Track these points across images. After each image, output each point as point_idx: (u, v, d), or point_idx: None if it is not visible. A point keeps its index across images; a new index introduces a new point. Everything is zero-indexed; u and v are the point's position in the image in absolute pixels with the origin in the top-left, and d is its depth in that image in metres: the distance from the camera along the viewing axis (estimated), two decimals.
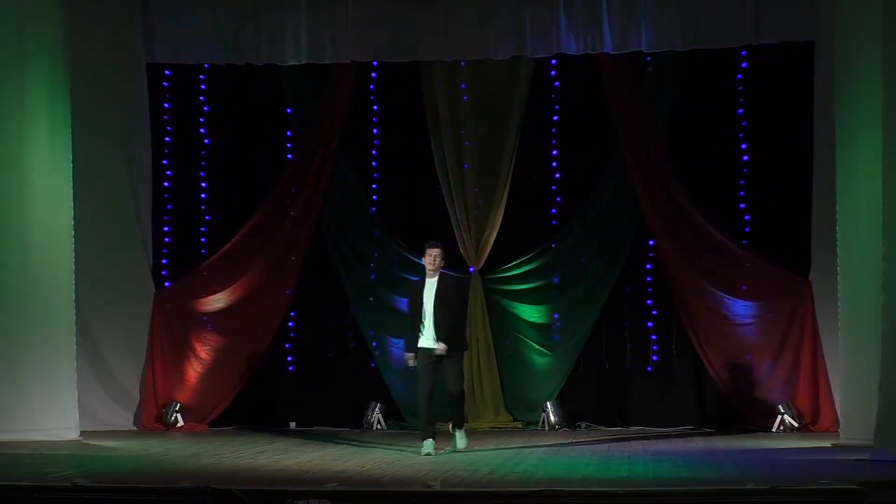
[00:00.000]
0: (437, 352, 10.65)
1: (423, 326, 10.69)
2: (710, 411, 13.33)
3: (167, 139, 14.02)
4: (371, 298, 13.83)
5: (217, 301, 13.81)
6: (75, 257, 12.48)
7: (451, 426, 11.23)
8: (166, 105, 14.00)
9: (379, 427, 13.46)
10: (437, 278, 10.74)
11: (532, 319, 13.65)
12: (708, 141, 13.32)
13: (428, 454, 10.53)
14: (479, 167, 13.66)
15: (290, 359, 13.92)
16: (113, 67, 13.71)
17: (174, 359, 13.76)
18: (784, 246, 13.10)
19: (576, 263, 13.57)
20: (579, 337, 13.51)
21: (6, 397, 11.91)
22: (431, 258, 10.76)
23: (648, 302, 13.49)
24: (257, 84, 13.98)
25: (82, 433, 12.39)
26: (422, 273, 10.92)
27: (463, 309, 11.37)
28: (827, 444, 11.36)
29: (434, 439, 10.70)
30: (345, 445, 11.72)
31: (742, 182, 13.23)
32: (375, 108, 13.94)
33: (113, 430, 13.26)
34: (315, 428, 13.47)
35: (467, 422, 12.19)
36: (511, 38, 13.38)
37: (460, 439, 10.93)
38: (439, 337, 10.64)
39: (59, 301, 12.31)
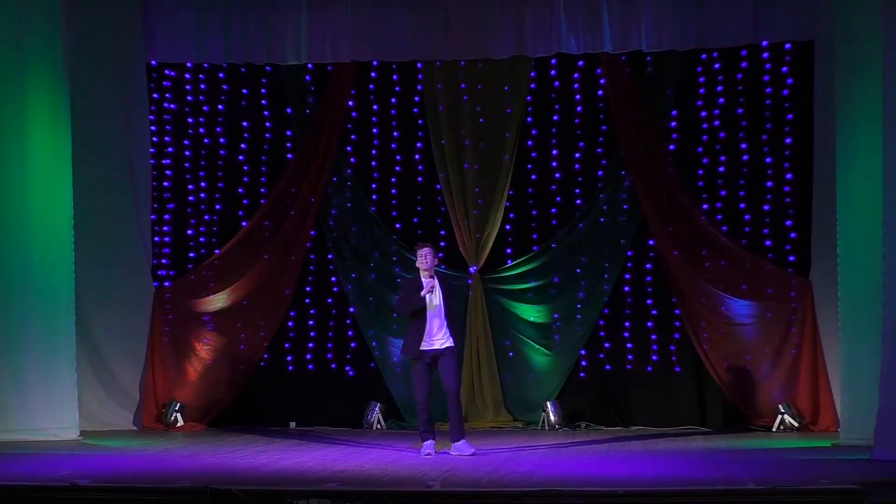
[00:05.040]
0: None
1: (427, 328, 10.56)
2: (710, 411, 13.33)
3: (167, 139, 14.01)
4: (371, 298, 13.82)
5: (217, 301, 13.81)
6: (75, 257, 12.49)
7: (452, 438, 10.66)
8: (166, 105, 13.99)
9: (379, 427, 13.45)
10: (435, 279, 10.67)
11: (532, 319, 13.64)
12: (708, 141, 13.32)
13: (428, 454, 10.52)
14: (479, 167, 13.65)
15: (289, 359, 13.91)
16: (113, 67, 13.71)
17: (174, 359, 13.75)
18: (784, 246, 13.10)
19: (576, 263, 13.56)
20: (579, 337, 13.51)
21: (6, 397, 11.94)
22: (423, 257, 10.66)
23: (648, 302, 13.48)
24: (257, 84, 13.97)
25: (82, 433, 12.39)
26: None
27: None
28: (827, 444, 11.36)
29: (434, 439, 10.69)
30: (345, 445, 11.72)
31: (742, 182, 13.23)
32: (375, 108, 13.94)
33: (113, 430, 13.26)
34: (315, 428, 13.46)
35: (467, 421, 12.21)
36: (511, 38, 13.36)
37: (466, 447, 10.56)
38: (453, 336, 10.66)
39: (59, 301, 12.32)
